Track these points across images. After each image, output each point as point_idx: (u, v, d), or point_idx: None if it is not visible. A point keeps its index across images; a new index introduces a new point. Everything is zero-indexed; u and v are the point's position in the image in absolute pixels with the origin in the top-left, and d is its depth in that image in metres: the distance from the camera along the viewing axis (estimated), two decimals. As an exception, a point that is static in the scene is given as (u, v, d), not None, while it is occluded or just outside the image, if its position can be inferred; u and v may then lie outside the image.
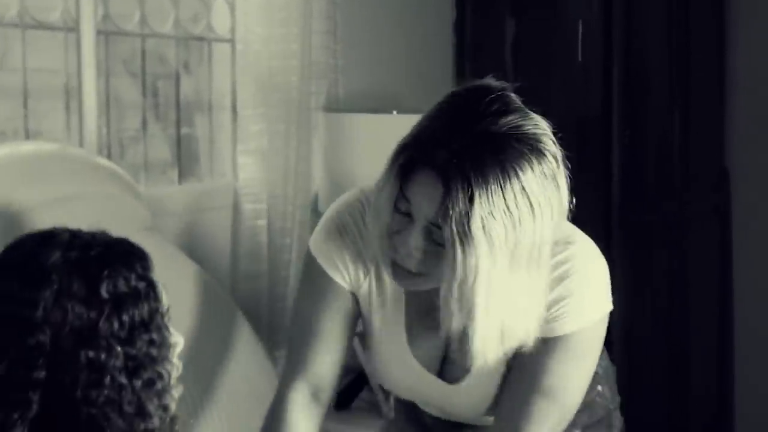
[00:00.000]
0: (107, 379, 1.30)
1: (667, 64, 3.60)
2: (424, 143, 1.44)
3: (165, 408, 1.38)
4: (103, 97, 2.69)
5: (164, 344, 1.38)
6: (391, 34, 3.38)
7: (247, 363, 2.27)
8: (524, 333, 1.50)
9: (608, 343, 3.34)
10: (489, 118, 1.42)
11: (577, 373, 1.61)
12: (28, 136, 2.54)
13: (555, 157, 1.45)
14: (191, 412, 2.16)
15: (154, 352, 1.35)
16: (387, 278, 1.63)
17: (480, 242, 1.39)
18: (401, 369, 1.71)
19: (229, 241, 2.92)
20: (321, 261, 1.69)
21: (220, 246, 2.91)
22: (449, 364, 1.70)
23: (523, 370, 1.61)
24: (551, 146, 1.45)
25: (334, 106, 3.08)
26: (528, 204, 1.40)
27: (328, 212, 1.71)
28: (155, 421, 1.35)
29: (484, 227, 1.39)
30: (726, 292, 4.10)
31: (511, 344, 1.52)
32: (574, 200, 1.49)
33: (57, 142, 2.53)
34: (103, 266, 1.32)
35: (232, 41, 2.97)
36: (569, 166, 1.47)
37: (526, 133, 1.43)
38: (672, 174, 3.69)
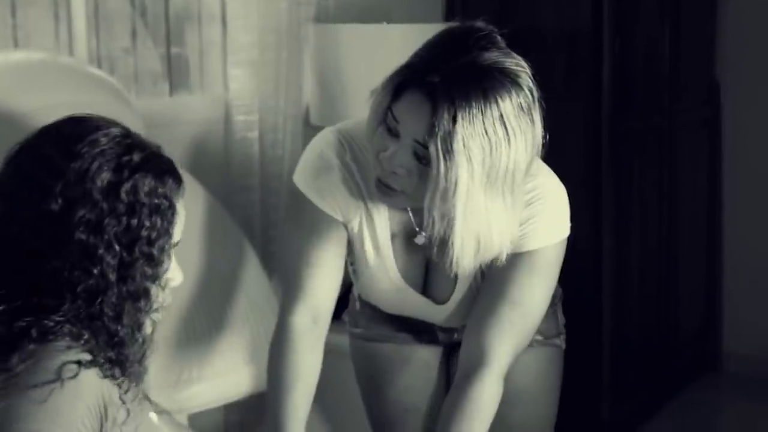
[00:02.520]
0: (96, 269, 1.32)
1: (658, -26, 3.58)
2: (417, 68, 1.62)
3: (139, 326, 1.39)
4: (92, 11, 2.67)
5: (159, 268, 1.38)
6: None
7: (240, 265, 2.30)
8: (498, 247, 1.67)
9: (599, 248, 3.31)
10: (476, 52, 1.60)
11: (539, 287, 1.79)
12: (17, 47, 2.53)
13: (532, 93, 1.61)
14: (197, 333, 2.20)
15: (148, 270, 1.36)
16: (376, 212, 1.80)
17: (460, 159, 1.56)
18: (390, 290, 1.89)
19: (221, 153, 2.93)
20: (313, 198, 1.80)
21: (212, 158, 2.91)
22: (431, 283, 1.88)
23: (493, 282, 1.79)
24: (529, 83, 1.61)
25: (324, 17, 3.06)
26: (504, 131, 1.57)
27: (312, 152, 1.83)
28: (122, 332, 1.36)
29: (464, 146, 1.55)
30: (715, 204, 4.13)
31: (486, 255, 1.68)
32: (547, 136, 1.65)
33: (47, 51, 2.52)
34: (135, 170, 1.35)
35: (220, -49, 2.95)
36: (545, 106, 1.63)
37: (508, 68, 1.60)
38: (662, 86, 3.69)
